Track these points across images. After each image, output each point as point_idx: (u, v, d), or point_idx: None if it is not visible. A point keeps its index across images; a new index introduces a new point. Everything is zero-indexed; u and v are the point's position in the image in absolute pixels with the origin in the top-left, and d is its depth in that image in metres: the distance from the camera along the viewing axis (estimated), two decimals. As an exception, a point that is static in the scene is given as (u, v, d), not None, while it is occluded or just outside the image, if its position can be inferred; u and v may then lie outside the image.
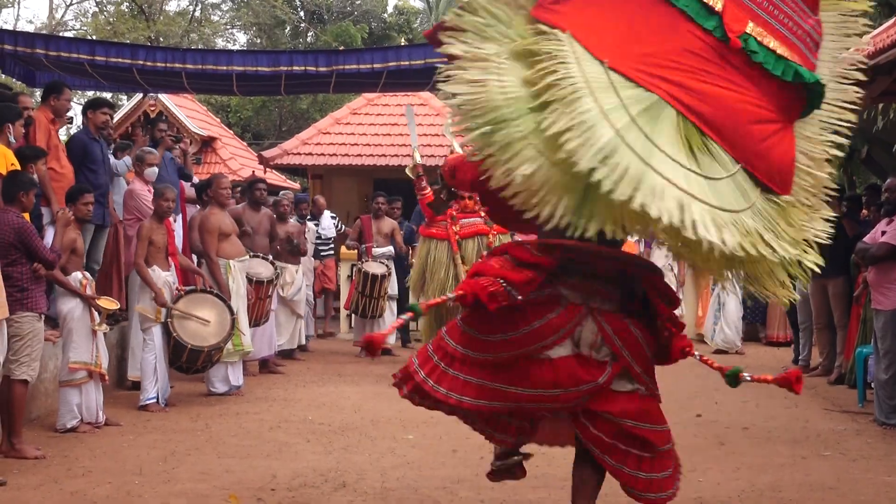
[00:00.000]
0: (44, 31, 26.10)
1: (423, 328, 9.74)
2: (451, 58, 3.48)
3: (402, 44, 19.03)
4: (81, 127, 8.92)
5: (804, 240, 3.67)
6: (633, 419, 3.79)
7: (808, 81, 3.67)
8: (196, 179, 10.63)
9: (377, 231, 11.39)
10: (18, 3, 32.15)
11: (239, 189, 10.98)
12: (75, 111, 14.93)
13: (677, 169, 3.32)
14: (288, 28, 33.09)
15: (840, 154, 3.87)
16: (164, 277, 7.81)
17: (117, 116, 19.06)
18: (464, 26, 3.51)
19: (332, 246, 13.01)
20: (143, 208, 8.74)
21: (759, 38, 3.60)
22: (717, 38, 3.58)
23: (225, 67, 10.72)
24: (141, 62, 10.53)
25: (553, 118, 3.25)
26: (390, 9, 34.82)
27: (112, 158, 9.08)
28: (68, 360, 6.87)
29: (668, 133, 3.38)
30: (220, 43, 31.88)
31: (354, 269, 11.21)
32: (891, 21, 8.82)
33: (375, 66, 10.70)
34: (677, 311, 4.05)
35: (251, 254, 9.21)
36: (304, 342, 11.19)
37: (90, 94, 16.56)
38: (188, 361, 7.83)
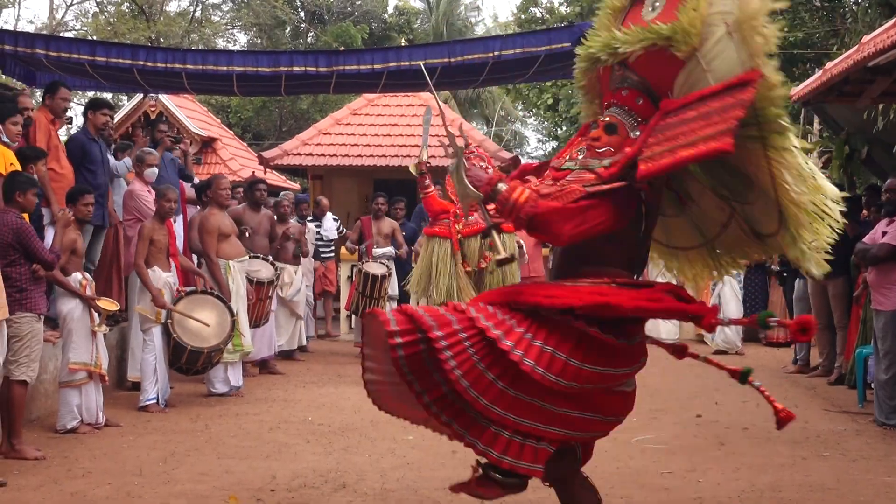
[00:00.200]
0: (44, 32, 26.10)
1: None
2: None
3: (403, 44, 19.04)
4: (81, 127, 8.92)
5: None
6: None
7: None
8: (196, 180, 10.64)
9: (377, 231, 11.39)
10: (19, 4, 32.15)
11: (240, 189, 10.97)
12: (76, 111, 14.95)
13: None
14: (288, 28, 33.10)
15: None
16: (164, 278, 7.81)
17: (117, 117, 19.07)
18: None
19: (333, 248, 13.01)
20: (143, 209, 8.75)
21: None
22: None
23: (225, 68, 10.70)
24: (141, 63, 10.51)
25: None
26: (391, 9, 34.82)
27: (112, 159, 9.08)
28: (68, 361, 6.88)
29: None
30: (220, 43, 31.90)
31: (354, 269, 11.21)
32: (890, 22, 8.81)
33: (376, 66, 10.68)
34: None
35: (251, 254, 9.21)
36: (304, 343, 11.19)
37: (90, 94, 16.54)
38: (188, 362, 7.83)
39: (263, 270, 9.26)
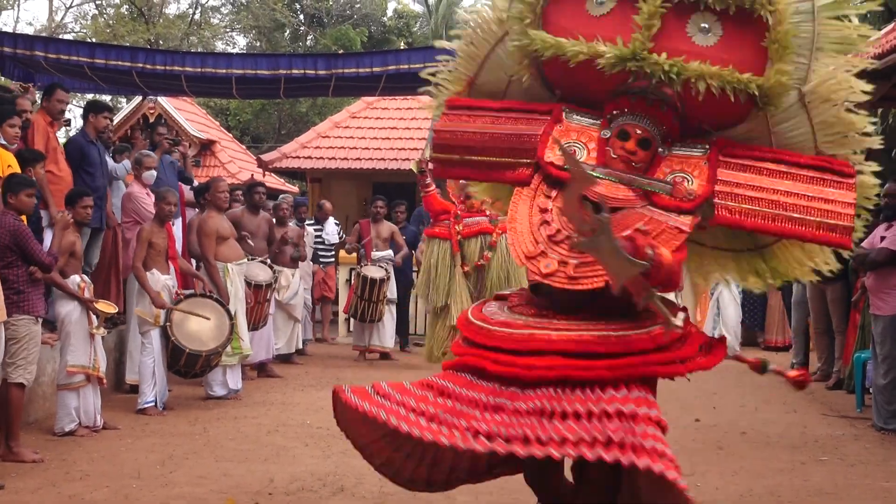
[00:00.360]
0: (43, 34, 26.11)
1: (428, 332, 9.66)
2: None
3: (402, 47, 19.04)
4: (79, 130, 8.92)
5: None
6: None
7: None
8: (196, 183, 10.63)
9: (376, 235, 11.38)
10: (18, 6, 32.13)
11: (240, 192, 10.96)
12: (74, 113, 14.95)
13: None
14: (287, 31, 33.11)
15: None
16: (163, 281, 7.80)
17: (116, 119, 19.06)
18: None
19: (334, 253, 13.00)
20: (142, 211, 8.74)
21: None
22: None
23: (224, 71, 10.71)
24: (140, 65, 10.53)
25: None
26: (390, 12, 34.84)
27: (111, 162, 9.08)
28: (66, 364, 6.86)
29: None
30: (219, 46, 31.93)
31: (353, 272, 11.20)
32: (890, 26, 8.84)
33: (375, 69, 10.68)
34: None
35: (249, 257, 9.20)
36: (300, 346, 11.18)
37: (89, 96, 16.57)
38: (186, 365, 7.82)
39: (261, 274, 9.25)
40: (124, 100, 23.54)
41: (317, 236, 12.49)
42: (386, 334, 11.26)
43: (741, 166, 3.62)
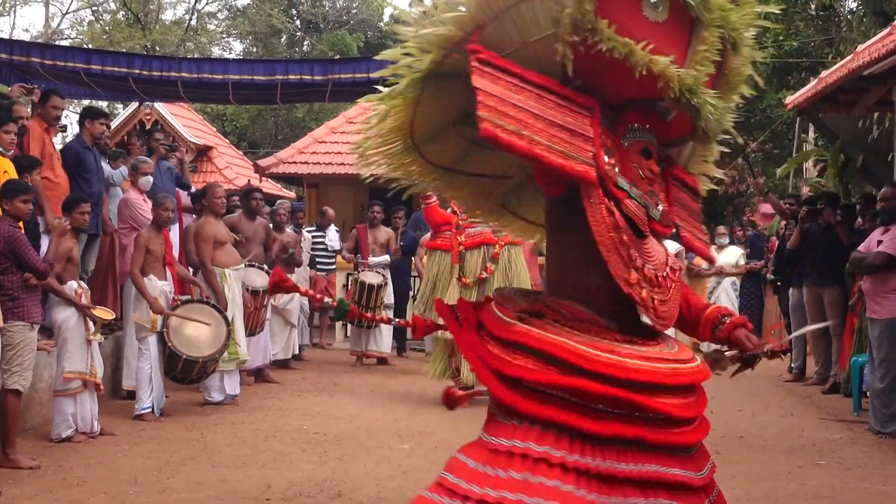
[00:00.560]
0: (40, 40, 26.12)
1: (434, 342, 9.50)
2: None
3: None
4: (75, 136, 8.91)
5: None
6: None
7: None
8: (193, 188, 10.63)
9: (373, 240, 11.37)
10: (14, 12, 32.12)
11: (237, 198, 10.95)
12: (70, 119, 14.95)
13: None
14: (284, 37, 33.18)
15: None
16: (160, 287, 7.79)
17: (113, 125, 19.06)
18: None
19: (334, 259, 12.99)
20: (138, 217, 8.74)
21: None
22: None
23: (221, 76, 10.71)
24: (137, 71, 10.52)
25: None
26: (386, 18, 34.91)
27: (108, 168, 9.08)
28: (63, 370, 6.85)
29: None
30: (216, 52, 32.01)
31: (350, 278, 11.19)
32: (885, 31, 8.84)
33: (371, 75, 10.67)
34: None
35: (246, 263, 9.20)
36: (297, 351, 11.17)
37: (85, 102, 16.56)
38: (183, 372, 7.81)
39: (258, 279, 9.25)
40: (121, 106, 23.52)
41: (319, 243, 12.46)
42: (383, 340, 11.26)
43: (680, 184, 3.55)
